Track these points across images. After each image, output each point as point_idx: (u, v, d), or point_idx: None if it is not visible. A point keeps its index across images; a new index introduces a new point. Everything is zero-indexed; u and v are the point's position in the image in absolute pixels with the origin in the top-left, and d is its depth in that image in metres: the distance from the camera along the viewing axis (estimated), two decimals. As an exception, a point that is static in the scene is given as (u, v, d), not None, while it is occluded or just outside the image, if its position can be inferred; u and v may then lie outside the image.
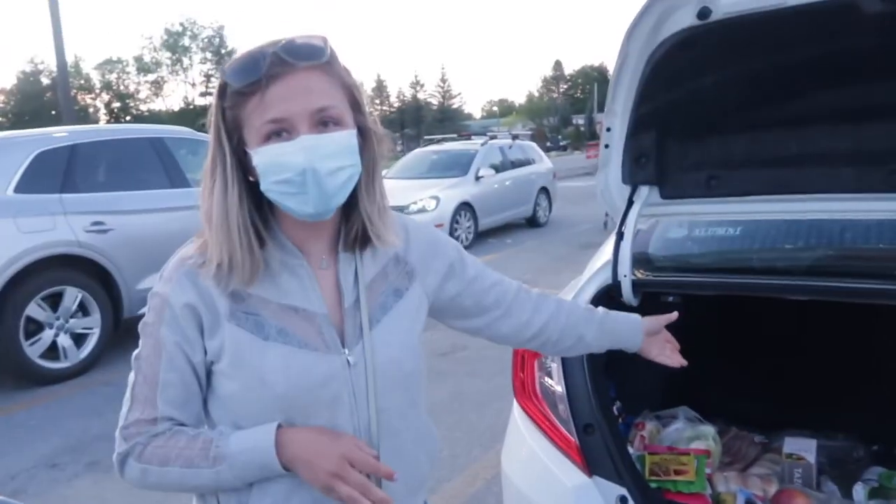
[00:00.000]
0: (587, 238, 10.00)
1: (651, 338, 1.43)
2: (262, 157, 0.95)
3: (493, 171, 10.84)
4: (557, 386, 1.74)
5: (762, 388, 2.35)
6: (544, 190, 12.12)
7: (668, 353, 1.44)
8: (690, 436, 1.95)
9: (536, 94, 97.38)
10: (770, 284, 1.82)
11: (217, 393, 1.03)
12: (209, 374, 1.04)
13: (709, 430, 1.97)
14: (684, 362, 1.44)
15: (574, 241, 9.88)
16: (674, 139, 1.99)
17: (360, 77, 1.06)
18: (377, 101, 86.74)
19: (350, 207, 1.07)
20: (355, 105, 1.02)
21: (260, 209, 1.03)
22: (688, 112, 1.94)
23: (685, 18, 1.67)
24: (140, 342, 1.04)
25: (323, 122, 0.96)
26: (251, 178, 1.00)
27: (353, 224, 1.08)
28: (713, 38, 1.68)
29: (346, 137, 0.98)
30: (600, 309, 1.41)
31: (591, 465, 1.63)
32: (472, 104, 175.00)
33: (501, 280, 1.30)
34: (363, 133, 1.03)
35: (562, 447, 1.69)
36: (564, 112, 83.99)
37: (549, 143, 49.55)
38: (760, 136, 1.93)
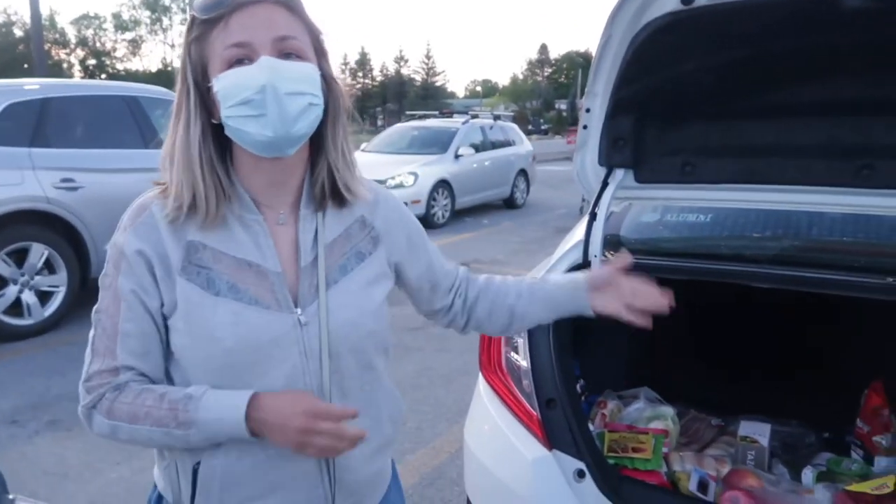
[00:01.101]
0: (563, 222, 10.05)
1: (604, 292, 1.24)
2: (223, 82, 0.95)
3: (472, 150, 10.83)
4: (523, 361, 1.76)
5: (722, 374, 2.41)
6: (523, 172, 12.14)
7: (631, 310, 1.22)
8: (650, 416, 1.99)
9: (521, 77, 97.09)
10: (735, 271, 1.85)
11: (170, 347, 1.02)
12: (166, 327, 1.03)
13: (668, 410, 2.01)
14: (647, 322, 1.22)
15: (550, 225, 9.93)
16: (652, 124, 2.01)
17: (331, 30, 1.07)
18: (360, 74, 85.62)
19: (315, 160, 1.07)
20: (319, 50, 1.03)
21: (222, 160, 1.02)
22: (667, 97, 1.95)
23: (669, 3, 1.67)
24: (100, 295, 1.03)
25: (286, 52, 0.97)
26: (215, 121, 0.99)
27: (318, 175, 1.07)
28: (696, 24, 1.69)
29: (309, 68, 0.98)
30: (531, 278, 1.32)
31: (551, 438, 1.66)
32: (456, 83, 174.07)
33: (451, 266, 1.30)
34: (326, 81, 1.03)
35: (524, 420, 1.71)
36: (548, 96, 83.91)
37: (530, 127, 49.55)
38: (737, 126, 1.95)
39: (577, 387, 2.13)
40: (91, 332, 1.03)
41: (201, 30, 0.97)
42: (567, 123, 57.54)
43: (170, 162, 1.00)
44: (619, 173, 2.04)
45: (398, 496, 1.27)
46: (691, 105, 1.97)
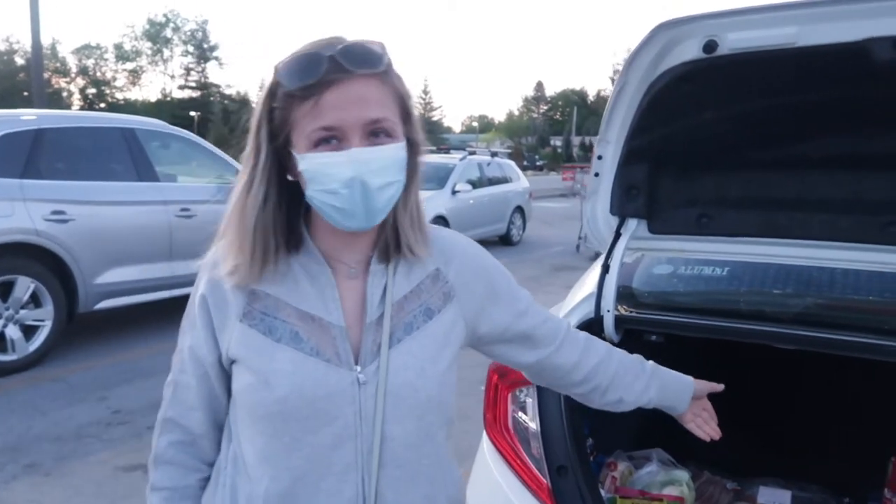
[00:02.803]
0: (559, 260, 9.99)
1: (694, 401, 1.35)
2: (310, 164, 0.93)
3: (470, 186, 10.80)
4: (531, 422, 1.66)
5: (737, 433, 2.29)
6: (519, 209, 12.12)
7: (700, 423, 1.34)
8: (664, 480, 1.88)
9: (516, 113, 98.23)
10: (756, 331, 1.76)
11: (231, 393, 1.04)
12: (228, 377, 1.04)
13: (683, 475, 1.90)
14: (717, 435, 1.33)
15: (546, 263, 9.86)
16: (667, 173, 1.94)
17: (412, 86, 1.04)
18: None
19: (385, 221, 1.03)
20: (406, 116, 0.99)
21: (294, 213, 1.01)
22: (683, 146, 1.89)
23: (690, 51, 1.61)
24: None
25: (375, 133, 0.93)
26: (290, 178, 0.98)
27: (384, 233, 1.04)
28: (717, 73, 1.63)
29: (396, 151, 0.96)
30: (650, 362, 1.32)
31: (562, 509, 1.54)
32: (452, 118, 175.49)
33: (552, 316, 1.23)
34: (410, 145, 1.00)
35: (532, 488, 1.60)
36: (543, 132, 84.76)
37: (525, 163, 49.87)
38: (756, 177, 1.88)
39: (587, 447, 2.02)
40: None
41: (286, 102, 0.93)
42: (562, 160, 57.99)
43: (226, 220, 1.00)
44: (631, 223, 1.96)
45: None
46: (709, 155, 1.90)
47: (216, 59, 69.84)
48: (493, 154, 12.74)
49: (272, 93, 0.95)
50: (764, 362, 2.20)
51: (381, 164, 0.93)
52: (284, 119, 0.94)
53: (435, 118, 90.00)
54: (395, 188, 0.96)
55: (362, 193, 0.92)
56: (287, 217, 1.00)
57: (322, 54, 0.91)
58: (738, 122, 1.79)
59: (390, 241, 1.03)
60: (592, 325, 1.85)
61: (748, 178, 1.87)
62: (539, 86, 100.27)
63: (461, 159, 11.27)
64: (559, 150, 70.75)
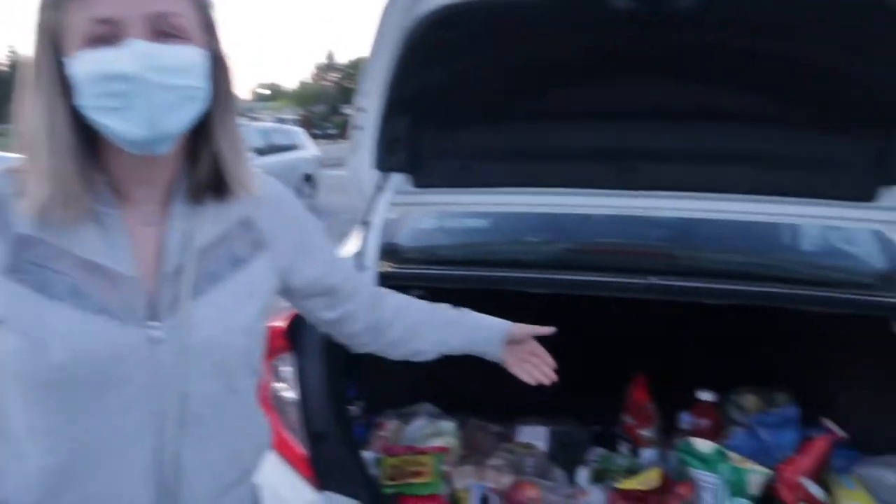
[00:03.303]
0: (350, 228, 9.89)
1: (513, 346, 1.32)
2: (81, 64, 0.78)
3: (255, 154, 10.31)
4: (290, 392, 1.56)
5: (500, 377, 2.39)
6: (308, 177, 11.84)
7: (528, 367, 1.32)
8: (430, 433, 1.89)
9: (309, 81, 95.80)
10: (513, 278, 1.81)
11: None
12: None
13: (449, 425, 1.92)
14: (545, 379, 1.31)
15: (336, 231, 9.62)
16: (428, 125, 1.91)
17: None
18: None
19: (197, 149, 0.89)
20: (208, 25, 0.86)
21: (82, 142, 0.83)
22: (443, 98, 1.87)
23: None
24: None
25: (163, 31, 0.79)
26: (72, 102, 0.81)
27: (201, 165, 0.89)
28: (471, 19, 1.61)
29: (192, 53, 0.82)
30: (457, 311, 1.31)
31: (322, 478, 1.47)
32: (239, 85, 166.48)
33: (355, 272, 1.19)
34: (214, 59, 0.86)
35: (290, 460, 1.51)
36: (335, 100, 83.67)
37: (317, 131, 48.94)
38: (512, 128, 1.91)
39: (357, 409, 1.97)
40: None
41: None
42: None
43: (25, 147, 0.82)
44: (395, 177, 1.91)
45: None
46: (469, 106, 1.90)
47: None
48: (279, 121, 12.27)
49: None
50: (524, 307, 2.29)
51: (173, 62, 0.79)
52: (55, 20, 0.79)
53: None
54: (189, 93, 0.81)
55: (143, 90, 0.77)
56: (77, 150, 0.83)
57: None
58: (494, 72, 1.79)
59: (204, 174, 0.90)
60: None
61: (504, 130, 1.90)
62: (330, 54, 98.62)
63: (244, 126, 10.71)
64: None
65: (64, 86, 0.81)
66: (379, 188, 1.91)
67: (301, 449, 1.49)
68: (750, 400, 2.05)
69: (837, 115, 1.68)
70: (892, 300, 1.66)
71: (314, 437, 1.49)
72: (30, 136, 0.82)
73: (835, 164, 1.72)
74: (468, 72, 1.79)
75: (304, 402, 1.53)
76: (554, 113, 1.88)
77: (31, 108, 0.82)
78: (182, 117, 0.82)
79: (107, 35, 0.77)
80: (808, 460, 1.60)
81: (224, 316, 0.90)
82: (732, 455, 1.66)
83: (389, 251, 1.99)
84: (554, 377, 1.33)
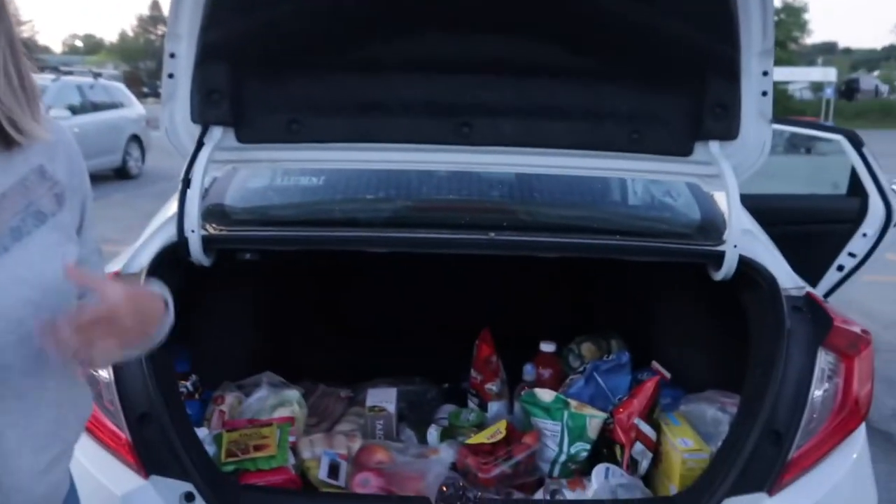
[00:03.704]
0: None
1: None
2: None
3: (68, 112, 9.29)
4: (103, 373, 1.38)
5: (348, 341, 2.33)
6: (136, 138, 10.89)
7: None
8: (274, 403, 1.79)
9: (131, 34, 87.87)
10: (351, 238, 1.74)
11: None
12: None
13: (293, 394, 1.83)
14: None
15: (170, 196, 9.03)
16: (252, 74, 1.76)
17: None
18: None
19: None
20: None
21: None
22: (265, 44, 1.72)
23: None
24: None
25: None
26: None
27: None
28: None
29: None
30: None
31: (147, 462, 1.34)
32: (49, 36, 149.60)
33: None
34: None
35: (110, 446, 1.35)
36: (162, 56, 77.49)
37: (146, 89, 45.21)
38: (343, 80, 1.81)
39: (189, 385, 1.83)
40: None
41: None
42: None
43: None
44: (216, 132, 1.74)
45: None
46: (294, 55, 1.76)
47: None
48: (97, 76, 11.11)
49: None
50: (364, 269, 2.23)
51: None
52: None
53: (25, 34, 75.48)
54: None
55: None
56: None
57: None
58: (319, 17, 1.68)
59: None
60: (178, 250, 1.62)
61: (334, 82, 1.79)
62: (155, 4, 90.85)
63: (53, 80, 9.59)
64: (184, 76, 65.61)
65: None
66: (199, 143, 1.74)
67: (122, 433, 1.34)
68: (587, 348, 2.14)
69: (653, 70, 1.75)
70: (708, 248, 1.78)
71: (136, 419, 1.35)
72: None
73: (654, 119, 1.81)
74: (288, 16, 1.66)
75: (122, 381, 1.37)
76: (383, 65, 1.79)
77: None
78: None
79: None
80: (639, 402, 1.68)
81: (33, 275, 0.84)
82: (572, 402, 1.72)
83: (215, 212, 1.83)
84: None
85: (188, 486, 1.32)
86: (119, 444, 1.34)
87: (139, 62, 73.94)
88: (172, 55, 1.67)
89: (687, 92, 1.78)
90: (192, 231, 1.59)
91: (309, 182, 1.97)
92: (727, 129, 1.78)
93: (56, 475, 0.94)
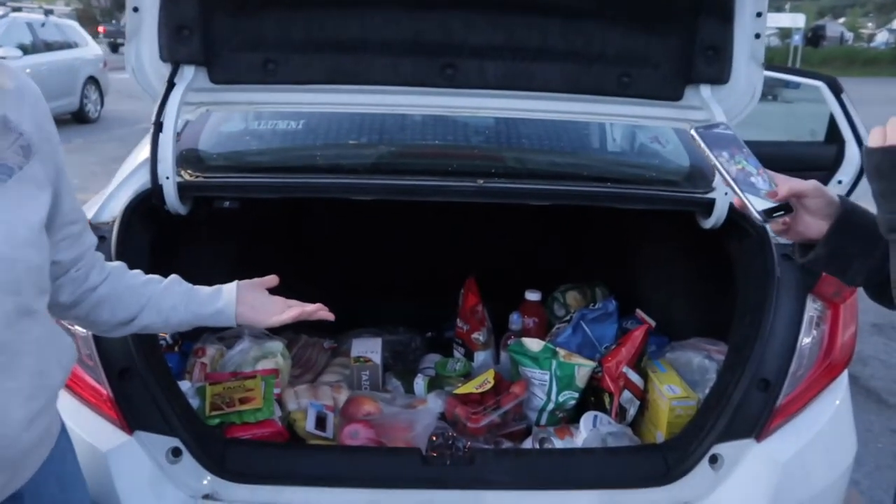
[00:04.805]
0: (144, 137, 8.99)
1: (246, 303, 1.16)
2: None
3: (19, 52, 8.82)
4: (80, 329, 1.32)
5: (330, 292, 2.28)
6: (93, 80, 10.41)
7: (268, 314, 1.17)
8: (257, 355, 1.75)
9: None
10: (335, 184, 1.67)
11: None
12: None
13: (276, 345, 1.79)
14: (285, 318, 1.17)
15: (133, 141, 8.57)
16: (223, 9, 1.65)
17: None
18: None
19: None
20: None
21: None
22: None
23: None
24: None
25: None
26: None
27: None
28: None
29: None
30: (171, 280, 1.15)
31: (131, 418, 1.30)
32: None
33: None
34: None
35: (91, 401, 1.30)
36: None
37: (100, 28, 43.21)
38: (319, 17, 1.71)
39: (168, 338, 1.77)
40: None
41: None
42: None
43: None
44: (188, 71, 1.64)
45: (68, 444, 1.06)
46: None
47: None
48: (48, 13, 10.54)
49: None
50: (345, 215, 2.17)
51: None
52: None
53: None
54: None
55: None
56: None
57: None
58: None
59: None
60: (152, 197, 1.54)
61: (311, 17, 1.69)
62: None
63: (1, 17, 9.08)
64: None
65: None
66: (169, 83, 1.64)
67: (103, 389, 1.29)
68: (572, 297, 2.13)
69: (644, 11, 1.69)
70: (698, 195, 1.75)
71: (116, 374, 1.29)
72: None
73: (645, 62, 1.75)
74: None
75: (99, 336, 1.31)
76: (364, 1, 1.70)
77: None
78: None
79: None
80: (627, 350, 1.68)
81: (7, 228, 0.83)
82: (560, 351, 1.71)
83: (190, 158, 1.74)
84: (305, 312, 1.22)
85: (174, 442, 1.29)
86: (101, 400, 1.30)
87: (92, -1, 70.44)
88: None
89: (678, 34, 1.73)
90: (167, 177, 1.51)
91: (287, 126, 1.88)
92: (719, 72, 1.73)
93: (45, 420, 0.94)
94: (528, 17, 1.73)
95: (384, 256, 2.33)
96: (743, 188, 0.91)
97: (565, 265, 2.40)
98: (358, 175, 1.71)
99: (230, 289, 1.16)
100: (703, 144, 0.94)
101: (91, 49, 10.79)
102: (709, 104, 1.71)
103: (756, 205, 0.90)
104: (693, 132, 0.96)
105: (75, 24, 11.15)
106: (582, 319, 1.86)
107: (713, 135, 0.96)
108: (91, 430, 1.28)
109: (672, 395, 1.61)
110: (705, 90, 1.74)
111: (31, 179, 0.89)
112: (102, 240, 1.37)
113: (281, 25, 1.71)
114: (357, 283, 2.29)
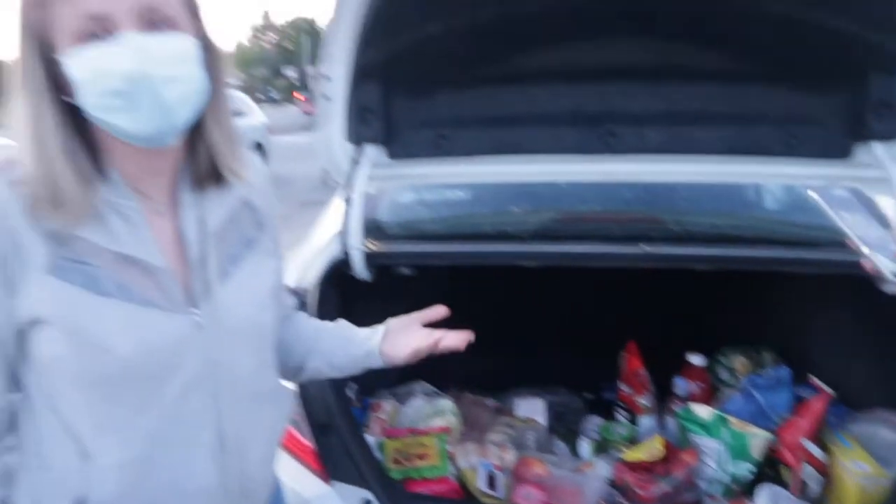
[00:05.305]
0: (306, 195, 9.69)
1: (395, 338, 1.16)
2: (79, 62, 0.78)
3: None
4: (289, 384, 1.49)
5: (491, 351, 2.36)
6: (258, 145, 11.48)
7: (412, 347, 1.13)
8: (430, 412, 1.85)
9: (247, 44, 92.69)
10: (501, 252, 1.77)
11: (35, 357, 0.86)
12: (20, 336, 0.85)
13: (447, 404, 1.88)
14: (421, 350, 1.14)
15: (293, 199, 9.48)
16: (401, 93, 1.82)
17: None
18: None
19: (194, 140, 0.92)
20: (193, 10, 0.87)
21: (83, 138, 0.84)
22: (415, 63, 1.78)
23: None
24: None
25: (153, 22, 0.80)
26: (66, 99, 0.81)
27: (198, 158, 0.93)
28: None
29: (185, 42, 0.83)
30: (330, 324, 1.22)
31: (329, 469, 1.43)
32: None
33: None
34: (205, 48, 0.88)
35: (296, 454, 1.45)
36: (275, 63, 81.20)
37: (260, 96, 47.54)
38: (488, 94, 1.84)
39: (350, 393, 1.92)
40: None
41: None
42: (298, 90, 56.33)
43: (21, 146, 0.81)
44: (370, 150, 1.82)
45: (279, 488, 1.17)
46: (440, 71, 1.81)
47: None
48: (223, 87, 11.80)
49: None
50: (510, 278, 2.25)
51: (169, 53, 0.81)
52: (42, 17, 0.79)
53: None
54: (191, 86, 0.84)
55: (149, 88, 0.79)
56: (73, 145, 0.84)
57: None
58: (465, 34, 1.72)
59: (203, 164, 0.93)
60: (342, 265, 1.71)
61: (480, 95, 1.82)
62: (266, 15, 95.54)
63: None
64: (296, 82, 68.55)
65: (53, 85, 0.81)
66: (354, 161, 1.82)
67: (306, 442, 1.44)
68: (738, 361, 2.07)
69: (810, 70, 1.67)
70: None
71: (319, 428, 1.44)
72: (20, 142, 0.82)
73: (810, 120, 1.72)
74: (436, 35, 1.71)
75: (304, 391, 1.47)
76: (528, 76, 1.81)
77: (17, 114, 0.82)
78: (187, 109, 0.84)
79: (98, 30, 0.78)
80: (807, 421, 1.61)
81: (250, 295, 0.97)
82: (731, 419, 1.67)
83: (371, 228, 1.91)
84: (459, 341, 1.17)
85: (367, 494, 1.40)
86: (304, 452, 1.44)
87: (253, 70, 77.77)
88: (328, 78, 1.75)
89: (847, 91, 1.69)
90: (355, 248, 1.67)
91: (455, 195, 2.02)
92: (893, 129, 1.67)
93: (273, 463, 1.08)
94: (687, 83, 1.77)
95: (541, 315, 2.38)
96: (873, 249, 0.88)
97: (728, 328, 2.33)
98: (524, 242, 1.80)
99: (380, 329, 1.16)
100: (827, 206, 0.92)
101: (257, 116, 11.91)
102: (882, 162, 1.65)
103: (889, 266, 0.87)
104: (814, 193, 0.95)
105: (243, 95, 12.40)
106: (752, 386, 1.81)
107: (839, 197, 0.94)
108: (297, 479, 1.43)
109: (860, 472, 1.52)
110: (878, 147, 1.67)
111: (265, 250, 1.03)
112: (303, 305, 1.54)
113: (452, 104, 1.86)
114: (515, 341, 2.36)
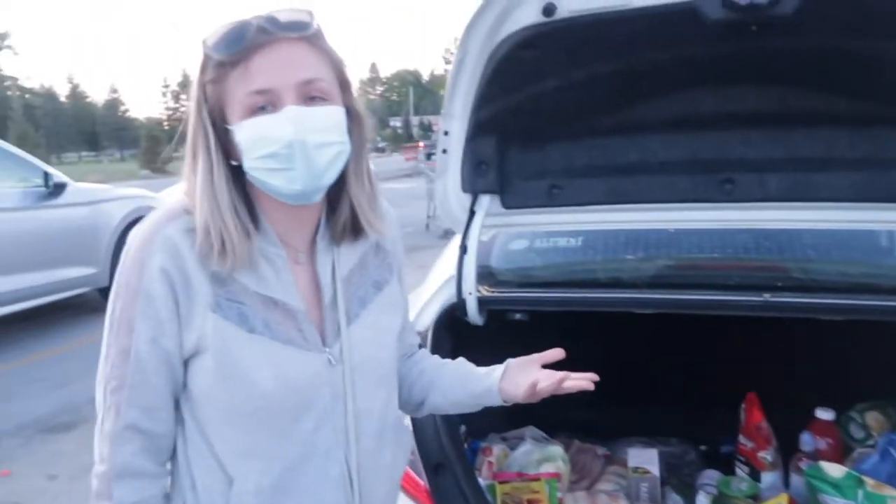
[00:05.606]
0: (411, 241, 9.96)
1: (514, 377, 1.14)
2: (246, 131, 0.90)
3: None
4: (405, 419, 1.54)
5: (602, 398, 2.33)
6: (366, 193, 11.93)
7: (557, 386, 1.10)
8: (539, 458, 1.85)
9: (355, 97, 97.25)
10: (616, 299, 1.77)
11: (190, 387, 0.96)
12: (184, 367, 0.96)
13: (557, 450, 1.88)
14: (583, 383, 1.13)
15: (403, 244, 9.79)
16: (515, 145, 1.89)
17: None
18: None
19: (336, 196, 1.01)
20: (343, 83, 0.98)
21: (244, 196, 0.96)
22: (529, 116, 1.84)
23: (528, 15, 1.55)
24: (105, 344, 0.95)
25: (310, 95, 0.91)
26: (233, 162, 0.94)
27: (340, 213, 1.02)
28: (556, 37, 1.58)
29: (335, 113, 0.94)
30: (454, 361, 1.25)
31: (443, 509, 1.46)
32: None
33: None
34: (350, 114, 0.98)
35: (410, 492, 1.49)
36: (381, 114, 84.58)
37: (369, 146, 49.35)
38: (601, 144, 1.87)
39: (461, 436, 1.95)
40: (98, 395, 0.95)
41: (217, 72, 0.91)
42: (402, 141, 58.22)
43: (195, 204, 0.94)
44: (484, 199, 1.89)
45: None
46: (554, 123, 1.87)
47: (8, 47, 62.39)
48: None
49: (203, 67, 0.93)
50: (613, 323, 2.23)
51: (321, 123, 0.91)
52: (218, 94, 0.92)
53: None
54: (336, 149, 0.93)
55: (302, 152, 0.89)
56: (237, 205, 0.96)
57: (249, 21, 0.90)
58: (580, 88, 1.76)
59: (343, 217, 1.01)
60: (455, 310, 1.77)
61: (593, 145, 1.86)
62: (373, 67, 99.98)
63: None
64: (399, 131, 70.90)
65: (224, 149, 0.93)
66: (470, 211, 1.89)
67: (420, 481, 1.48)
68: (872, 417, 1.94)
69: None
70: None
71: (433, 469, 1.48)
72: (194, 195, 0.94)
73: None
74: (554, 89, 1.76)
75: (418, 430, 1.51)
76: (643, 126, 1.83)
77: (190, 170, 0.95)
78: (332, 171, 0.94)
79: (265, 104, 0.89)
80: (955, 485, 1.49)
81: (377, 335, 1.04)
82: (867, 480, 1.56)
83: (484, 274, 1.96)
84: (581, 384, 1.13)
85: (479, 535, 1.42)
86: (418, 491, 1.48)
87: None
88: (446, 133, 1.84)
89: None
90: (470, 293, 1.73)
91: (567, 243, 2.04)
92: None
93: (394, 500, 1.13)
94: (807, 127, 1.73)
95: (655, 364, 2.33)
96: None
97: (859, 381, 2.19)
98: (639, 289, 1.79)
99: (499, 367, 1.16)
100: None
101: (365, 166, 12.42)
102: None
103: None
104: None
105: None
106: (891, 446, 1.69)
107: None
108: (408, 517, 1.47)
109: None
110: None
111: (393, 292, 1.10)
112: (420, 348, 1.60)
113: (564, 155, 1.90)
114: (627, 389, 2.31)
